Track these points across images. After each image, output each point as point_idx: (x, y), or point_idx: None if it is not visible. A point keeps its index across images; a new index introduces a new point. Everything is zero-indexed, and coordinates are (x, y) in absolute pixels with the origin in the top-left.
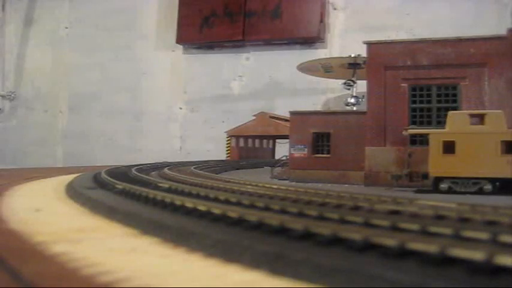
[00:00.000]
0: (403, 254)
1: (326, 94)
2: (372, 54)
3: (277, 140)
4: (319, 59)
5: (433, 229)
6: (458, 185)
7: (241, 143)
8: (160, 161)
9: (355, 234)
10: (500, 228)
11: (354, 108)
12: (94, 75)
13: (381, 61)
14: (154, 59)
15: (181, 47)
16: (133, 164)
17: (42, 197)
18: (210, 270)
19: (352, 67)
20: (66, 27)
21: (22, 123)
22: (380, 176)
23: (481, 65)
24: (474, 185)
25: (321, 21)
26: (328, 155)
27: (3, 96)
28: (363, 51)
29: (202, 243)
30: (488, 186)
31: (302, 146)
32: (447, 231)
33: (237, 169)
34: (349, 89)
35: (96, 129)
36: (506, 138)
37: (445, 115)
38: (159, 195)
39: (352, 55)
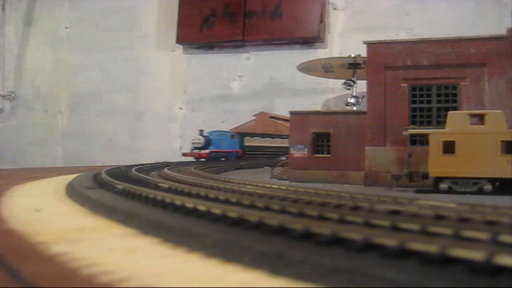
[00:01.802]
0: (403, 254)
1: (326, 94)
2: (371, 54)
3: None
4: (319, 59)
5: (433, 229)
6: (458, 185)
7: None
8: (161, 161)
9: (355, 234)
10: (500, 228)
11: (354, 108)
12: (94, 75)
13: (380, 61)
14: (154, 59)
15: (181, 47)
16: (133, 164)
17: (42, 197)
18: (210, 270)
19: (352, 67)
20: (66, 27)
21: (22, 123)
22: (380, 176)
23: (481, 65)
24: (474, 185)
25: (321, 21)
26: (328, 155)
27: (3, 96)
28: (363, 51)
29: (202, 243)
30: (488, 186)
31: (302, 146)
32: (447, 231)
33: (237, 169)
34: (349, 89)
35: (96, 129)
36: (506, 138)
37: (445, 115)
38: (159, 195)
39: (352, 55)
